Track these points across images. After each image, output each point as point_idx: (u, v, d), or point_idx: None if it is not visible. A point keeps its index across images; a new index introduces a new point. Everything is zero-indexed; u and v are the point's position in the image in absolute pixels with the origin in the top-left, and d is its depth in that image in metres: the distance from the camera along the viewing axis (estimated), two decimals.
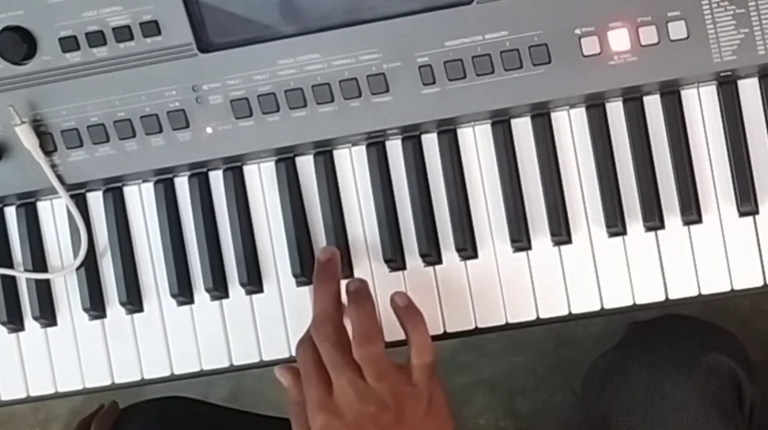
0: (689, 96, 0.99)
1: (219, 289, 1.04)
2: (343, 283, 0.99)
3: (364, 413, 0.93)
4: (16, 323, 1.06)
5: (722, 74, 0.97)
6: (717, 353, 1.06)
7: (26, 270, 1.05)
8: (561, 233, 0.99)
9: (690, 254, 0.99)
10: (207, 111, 1.01)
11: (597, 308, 1.00)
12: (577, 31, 0.97)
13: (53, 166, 1.03)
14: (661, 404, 1.04)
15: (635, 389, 1.06)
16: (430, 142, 1.01)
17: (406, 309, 0.98)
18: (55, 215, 1.06)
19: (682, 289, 0.99)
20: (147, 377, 1.05)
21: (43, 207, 1.06)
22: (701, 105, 0.99)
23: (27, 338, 1.06)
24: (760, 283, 0.99)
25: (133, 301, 1.04)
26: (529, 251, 1.01)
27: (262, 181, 1.04)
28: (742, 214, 0.98)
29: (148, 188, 1.05)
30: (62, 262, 1.06)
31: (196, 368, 1.04)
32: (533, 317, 1.01)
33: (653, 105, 0.99)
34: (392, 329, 1.01)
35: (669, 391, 1.04)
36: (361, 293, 0.98)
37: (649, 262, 0.99)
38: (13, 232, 1.06)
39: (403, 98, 0.99)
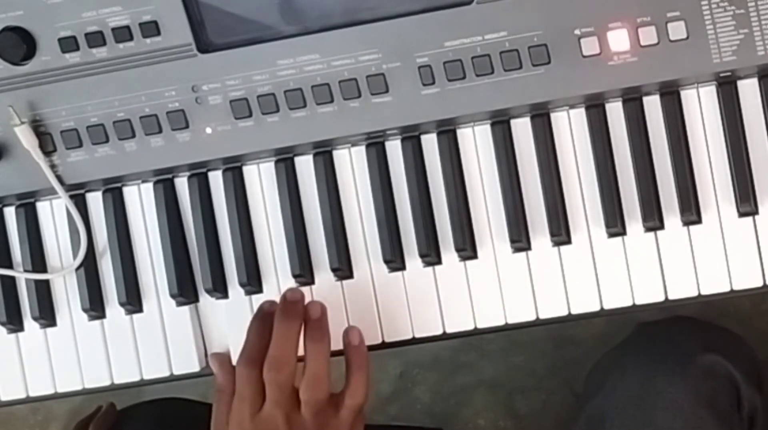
0: (689, 96, 0.99)
1: (218, 289, 1.03)
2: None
3: None
4: (15, 323, 1.06)
5: (722, 75, 0.97)
6: (714, 354, 1.06)
7: (26, 270, 1.05)
8: (560, 233, 0.99)
9: (689, 254, 0.99)
10: (206, 111, 1.01)
11: (596, 308, 1.00)
12: (577, 32, 0.97)
13: (53, 167, 1.03)
14: (654, 402, 1.04)
15: (630, 387, 1.06)
16: (430, 142, 1.01)
17: (356, 349, 0.99)
18: (54, 215, 1.06)
19: (682, 289, 0.99)
20: (146, 377, 1.05)
21: (42, 207, 1.06)
22: (701, 105, 0.99)
23: (26, 339, 1.06)
24: (759, 283, 0.99)
25: (133, 301, 1.04)
26: (529, 252, 1.00)
27: (261, 182, 1.03)
28: (741, 214, 0.98)
29: (148, 189, 1.05)
30: (62, 262, 1.06)
31: (195, 369, 1.04)
32: (533, 318, 1.01)
33: (653, 105, 0.99)
34: (391, 331, 1.01)
35: (663, 389, 1.04)
36: (320, 326, 0.98)
37: (649, 262, 0.99)
38: (12, 232, 1.06)
39: (402, 99, 0.99)
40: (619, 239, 0.99)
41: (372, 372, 0.99)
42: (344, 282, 1.03)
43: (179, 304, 1.04)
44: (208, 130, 1.01)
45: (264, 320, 0.99)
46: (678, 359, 1.06)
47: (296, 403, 0.96)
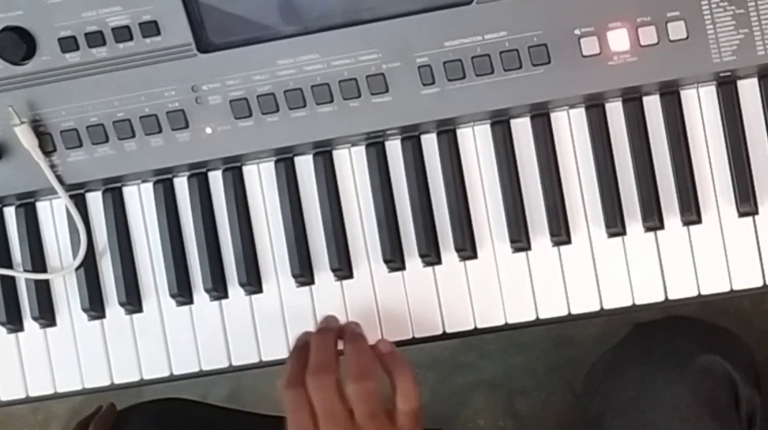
0: (689, 96, 0.99)
1: (218, 289, 1.04)
2: None
3: None
4: (15, 323, 1.06)
5: (722, 75, 0.97)
6: (712, 354, 1.06)
7: (26, 270, 1.05)
8: (560, 233, 0.99)
9: (689, 254, 0.99)
10: (206, 111, 1.01)
11: (596, 308, 1.00)
12: (577, 32, 0.97)
13: (52, 167, 1.03)
14: (652, 403, 1.04)
15: (628, 388, 1.06)
16: (430, 142, 1.01)
17: (390, 356, 0.98)
18: (54, 215, 1.06)
19: (682, 289, 0.99)
20: (146, 377, 1.05)
21: (42, 207, 1.06)
22: (701, 105, 0.99)
23: (26, 339, 1.06)
24: (759, 283, 0.99)
25: (133, 301, 1.04)
26: (529, 252, 1.01)
27: (261, 182, 1.03)
28: (741, 214, 0.98)
29: (148, 189, 1.05)
30: (61, 262, 1.06)
31: (195, 369, 1.04)
32: (533, 318, 1.01)
33: (653, 105, 0.99)
34: (391, 331, 1.01)
35: (661, 390, 1.04)
36: (356, 332, 0.98)
37: (649, 262, 0.99)
38: (12, 232, 1.06)
39: (402, 98, 0.99)
40: (619, 239, 0.99)
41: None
42: (344, 282, 1.03)
43: (179, 304, 1.04)
44: (208, 130, 1.01)
45: (302, 350, 0.97)
46: (676, 360, 1.06)
47: (350, 417, 0.93)
